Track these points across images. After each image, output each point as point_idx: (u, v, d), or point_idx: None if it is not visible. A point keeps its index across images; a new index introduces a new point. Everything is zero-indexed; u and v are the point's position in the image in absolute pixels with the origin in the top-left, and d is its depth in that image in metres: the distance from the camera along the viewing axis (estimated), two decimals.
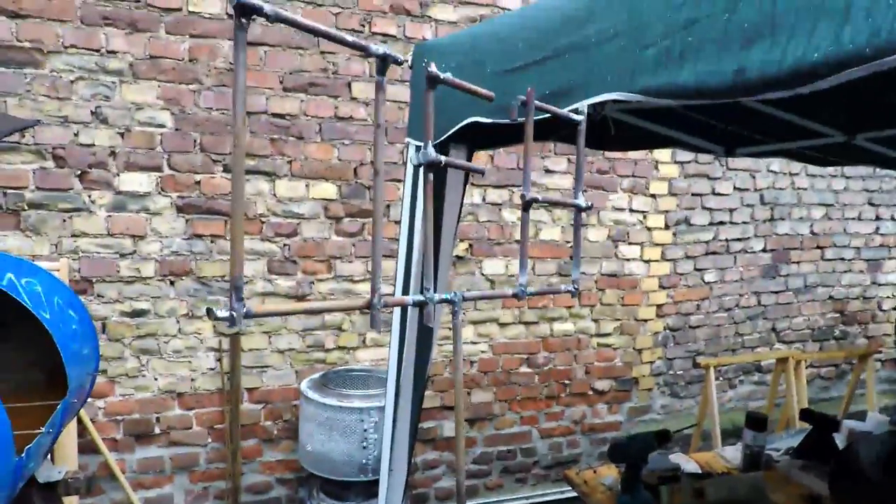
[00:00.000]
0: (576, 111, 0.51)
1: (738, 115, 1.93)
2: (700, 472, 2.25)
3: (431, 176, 0.47)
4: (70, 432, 2.52)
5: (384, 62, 0.38)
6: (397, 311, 2.04)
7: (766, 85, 0.60)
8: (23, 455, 1.30)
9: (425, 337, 2.01)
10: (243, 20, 0.30)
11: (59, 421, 1.59)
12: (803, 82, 0.58)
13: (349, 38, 0.38)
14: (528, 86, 1.08)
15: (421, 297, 0.39)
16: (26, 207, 2.53)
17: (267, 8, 0.30)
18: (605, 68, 0.83)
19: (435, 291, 0.52)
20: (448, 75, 0.33)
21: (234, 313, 0.29)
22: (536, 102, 0.51)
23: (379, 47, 0.37)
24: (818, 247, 4.11)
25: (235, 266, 0.28)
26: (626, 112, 1.95)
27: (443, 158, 0.44)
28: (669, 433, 1.98)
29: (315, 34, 0.37)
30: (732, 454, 2.41)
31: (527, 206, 0.51)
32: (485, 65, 1.27)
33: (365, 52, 0.39)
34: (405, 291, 1.95)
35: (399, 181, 3.05)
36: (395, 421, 2.08)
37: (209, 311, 0.27)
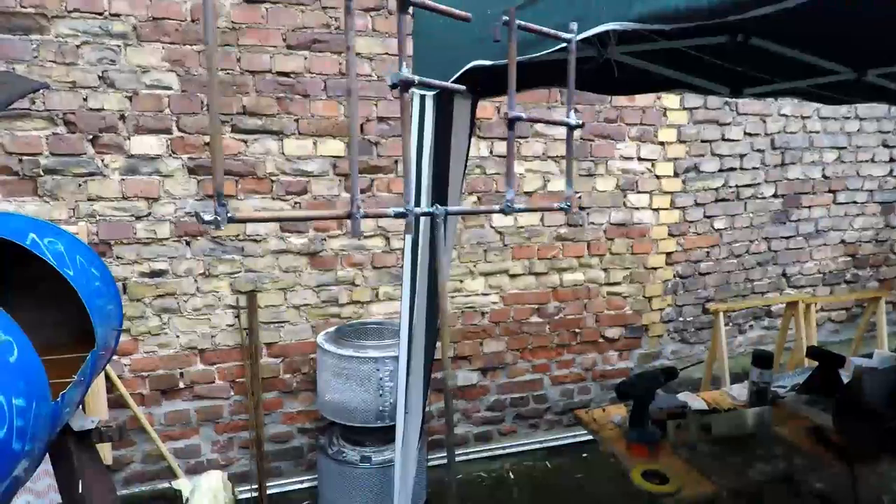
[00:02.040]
0: (565, 29, 0.52)
1: (745, 54, 1.91)
2: (707, 409, 2.31)
3: (408, 97, 0.49)
4: (99, 388, 2.63)
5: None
6: (408, 262, 2.09)
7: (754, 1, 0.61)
8: (58, 399, 1.38)
9: (436, 287, 2.06)
10: None
11: (89, 371, 1.67)
12: None
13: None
14: (532, 22, 1.09)
15: (401, 210, 0.42)
16: (42, 173, 2.58)
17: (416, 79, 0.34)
18: (601, 1, 0.84)
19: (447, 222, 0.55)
20: (417, 79, 0.35)
21: (219, 217, 0.32)
22: (521, 22, 0.53)
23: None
24: (830, 190, 4.08)
25: (217, 174, 0.31)
26: (632, 55, 1.94)
27: (416, 78, 0.46)
28: (676, 370, 2.04)
29: None
30: (739, 392, 2.47)
31: (511, 123, 0.53)
32: (485, 6, 1.27)
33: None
34: (414, 240, 1.99)
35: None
36: (408, 369, 2.15)
37: (196, 216, 0.30)
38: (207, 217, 0.31)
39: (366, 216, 0.41)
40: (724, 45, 1.85)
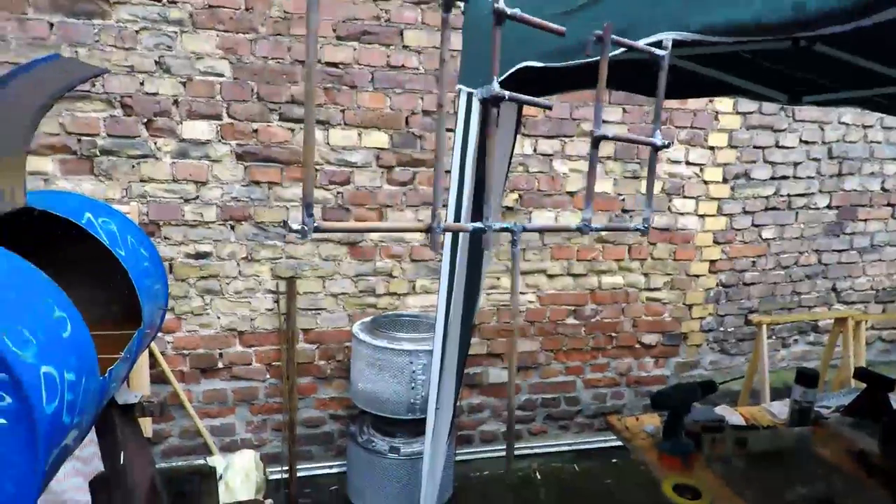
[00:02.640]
0: (659, 45, 0.50)
1: (807, 60, 1.83)
2: (745, 424, 2.25)
3: (496, 112, 0.48)
4: (143, 364, 2.73)
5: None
6: (446, 257, 2.09)
7: (826, 18, 0.58)
8: (106, 375, 1.43)
9: (474, 284, 2.06)
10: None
11: (135, 348, 1.73)
12: (866, 13, 0.55)
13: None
14: (584, 26, 1.07)
15: (480, 225, 0.41)
16: (98, 154, 2.68)
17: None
18: (660, 7, 0.82)
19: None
20: (517, 11, 0.34)
21: (305, 226, 0.34)
22: (614, 37, 0.51)
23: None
24: (889, 204, 3.90)
25: (307, 185, 0.32)
26: (686, 58, 1.89)
27: (506, 93, 0.45)
28: (715, 383, 1.99)
29: None
30: (779, 409, 2.40)
31: (595, 142, 0.51)
32: (541, 7, 1.26)
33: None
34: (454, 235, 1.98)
35: (450, 130, 3.05)
36: (442, 363, 2.16)
37: (284, 224, 0.32)
38: (295, 226, 0.33)
39: (446, 230, 0.41)
40: (785, 50, 1.78)
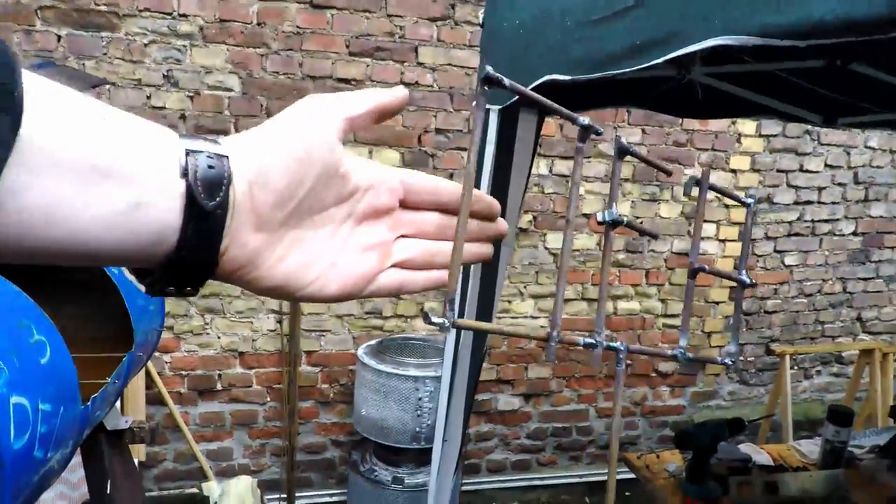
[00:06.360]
0: (748, 195, 0.43)
1: (843, 79, 1.73)
2: (772, 464, 2.11)
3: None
4: (139, 384, 2.63)
5: (586, 132, 0.34)
6: (458, 286, 1.99)
7: None
8: (88, 403, 1.33)
9: (486, 309, 1.95)
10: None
11: (124, 372, 1.63)
12: None
13: (565, 110, 0.34)
14: (622, 34, 0.97)
15: (591, 341, 0.36)
16: None
17: (506, 81, 0.29)
18: (709, 8, 0.72)
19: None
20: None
21: (447, 322, 0.30)
22: (713, 183, 0.43)
23: (584, 118, 0.33)
24: None
25: (452, 281, 0.29)
26: (716, 76, 1.79)
27: (615, 218, 0.38)
28: (744, 422, 1.86)
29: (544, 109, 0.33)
30: (809, 448, 2.25)
31: (693, 274, 0.43)
32: (565, 16, 1.16)
33: (572, 122, 0.35)
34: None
35: (463, 150, 2.97)
36: (451, 391, 2.04)
37: (425, 316, 0.28)
38: (436, 319, 0.28)
39: (561, 342, 0.35)
40: (821, 69, 1.68)
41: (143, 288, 0.34)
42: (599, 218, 0.37)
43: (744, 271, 0.46)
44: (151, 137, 0.31)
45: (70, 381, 1.21)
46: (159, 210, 0.30)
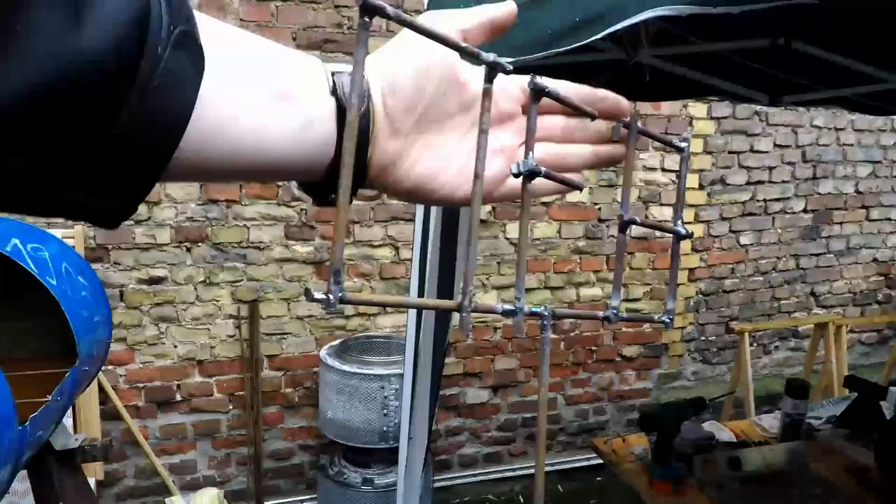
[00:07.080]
0: (681, 139, 0.40)
1: (786, 59, 1.76)
2: (735, 441, 2.15)
3: (529, 191, 0.38)
4: (92, 399, 2.52)
5: (493, 70, 0.32)
6: (415, 274, 1.95)
7: None
8: (27, 424, 1.25)
9: (446, 296, 1.92)
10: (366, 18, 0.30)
11: (69, 388, 1.55)
12: None
13: (462, 44, 0.32)
14: (554, 16, 0.95)
15: (511, 307, 0.33)
16: None
17: (390, 10, 0.27)
18: None
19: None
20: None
21: (331, 296, 0.26)
22: (640, 126, 0.41)
23: (490, 55, 0.31)
24: (863, 206, 3.88)
25: (335, 252, 0.26)
26: (664, 58, 1.80)
27: (543, 170, 0.36)
28: (704, 401, 1.88)
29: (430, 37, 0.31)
30: (770, 423, 2.30)
31: (623, 227, 0.40)
32: None
33: (476, 59, 0.33)
34: (422, 248, 1.85)
35: None
36: (414, 388, 2.01)
37: (307, 292, 0.25)
38: (319, 295, 0.25)
39: (475, 310, 0.32)
40: (764, 49, 1.70)
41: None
42: (514, 169, 0.36)
43: (679, 221, 0.44)
44: (305, 62, 0.36)
45: (5, 402, 1.14)
46: (323, 124, 0.35)
